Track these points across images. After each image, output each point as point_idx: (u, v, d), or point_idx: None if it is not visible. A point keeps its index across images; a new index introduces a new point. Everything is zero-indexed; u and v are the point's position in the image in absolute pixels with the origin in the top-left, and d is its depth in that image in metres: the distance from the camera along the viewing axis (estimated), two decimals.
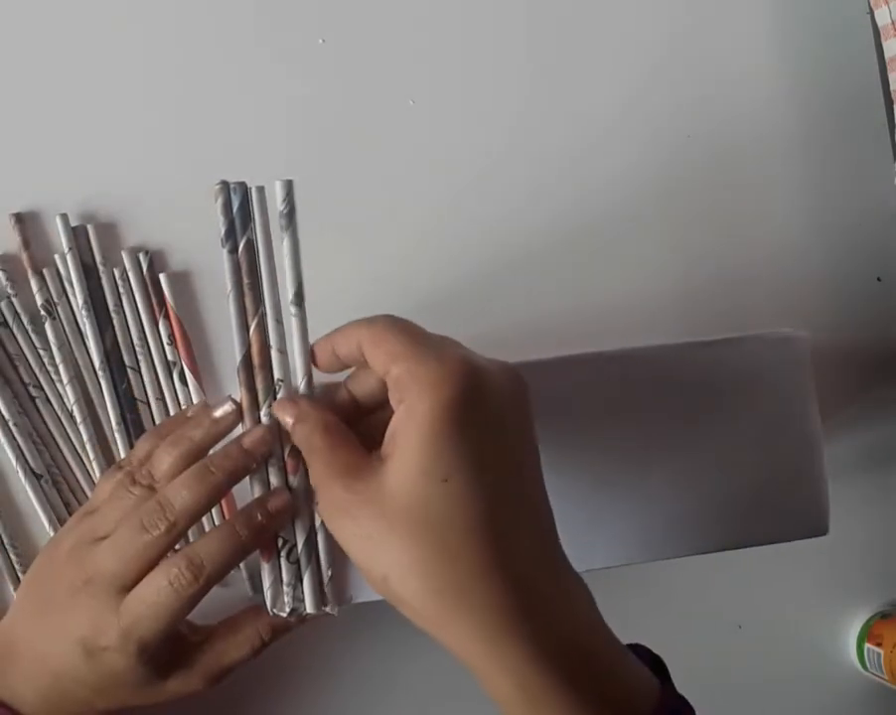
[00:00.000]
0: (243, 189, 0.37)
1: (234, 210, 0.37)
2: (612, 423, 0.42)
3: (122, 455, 0.47)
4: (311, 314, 0.38)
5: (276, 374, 0.38)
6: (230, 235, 0.37)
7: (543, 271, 0.51)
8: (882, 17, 0.52)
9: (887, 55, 0.52)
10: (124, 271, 0.47)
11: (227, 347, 0.47)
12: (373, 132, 0.50)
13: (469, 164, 0.51)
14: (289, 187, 0.37)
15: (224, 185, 0.37)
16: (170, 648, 0.38)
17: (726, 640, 0.54)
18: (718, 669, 0.52)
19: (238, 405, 0.38)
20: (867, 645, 0.54)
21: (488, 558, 0.32)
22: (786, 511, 0.43)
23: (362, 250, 0.50)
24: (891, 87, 0.52)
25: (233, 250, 0.38)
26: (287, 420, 0.36)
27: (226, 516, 0.47)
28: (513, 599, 0.32)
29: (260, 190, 0.37)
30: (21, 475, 0.46)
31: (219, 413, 0.38)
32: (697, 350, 0.43)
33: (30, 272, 0.46)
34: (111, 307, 0.47)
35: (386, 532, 0.32)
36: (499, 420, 0.33)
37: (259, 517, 0.36)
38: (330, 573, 0.38)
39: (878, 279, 0.54)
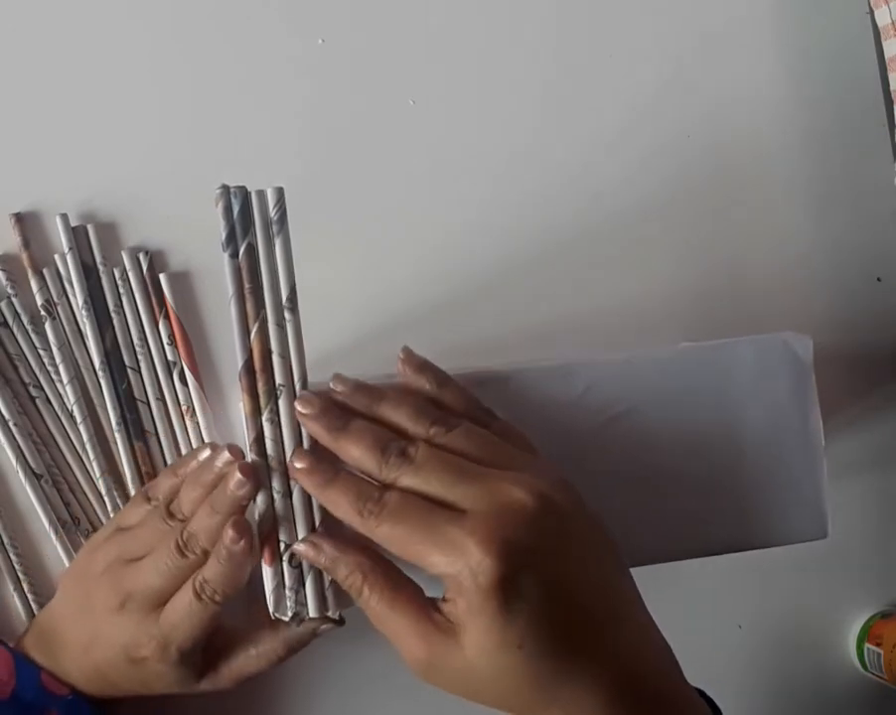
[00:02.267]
0: (244, 193, 0.37)
1: (235, 214, 0.37)
2: (614, 425, 0.42)
3: (123, 455, 0.47)
4: (312, 312, 0.38)
5: (278, 379, 0.38)
6: (231, 240, 0.37)
7: (547, 275, 0.51)
8: (882, 17, 0.52)
9: (887, 55, 0.52)
10: (124, 271, 0.47)
11: (228, 347, 0.48)
12: (374, 132, 0.50)
13: (470, 164, 0.51)
14: (280, 194, 0.37)
15: (225, 189, 0.37)
16: (203, 653, 0.42)
17: (726, 640, 0.54)
18: (718, 669, 0.52)
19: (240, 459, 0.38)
20: (867, 646, 0.54)
21: (584, 678, 0.33)
22: (785, 515, 0.43)
23: (360, 250, 0.50)
24: (891, 87, 0.52)
25: (234, 255, 0.37)
26: (346, 578, 0.36)
27: None
28: (610, 695, 0.33)
29: (261, 194, 0.37)
30: (21, 475, 0.46)
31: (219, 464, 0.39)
32: (700, 353, 0.43)
33: (30, 272, 0.46)
34: (111, 307, 0.47)
35: (482, 692, 0.34)
36: (550, 553, 0.34)
37: (236, 544, 0.37)
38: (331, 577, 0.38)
39: (878, 279, 0.54)
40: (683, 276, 0.52)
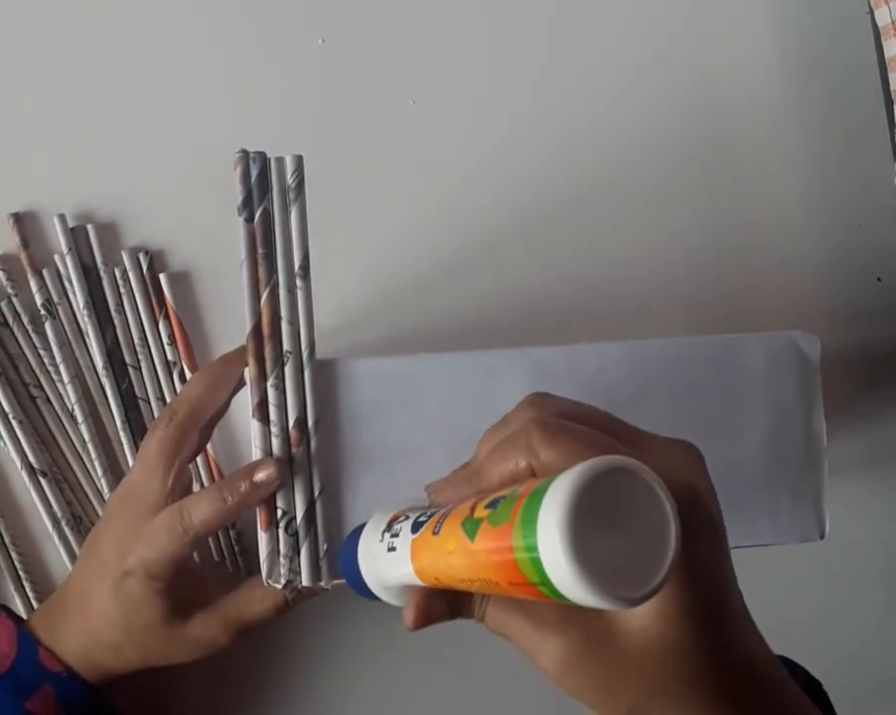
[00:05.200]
0: (263, 159, 0.38)
1: (252, 179, 0.37)
2: (620, 411, 0.42)
3: (127, 454, 0.47)
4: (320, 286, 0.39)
5: (285, 346, 0.38)
6: (247, 204, 0.38)
7: (547, 265, 0.51)
8: (882, 17, 0.51)
9: (887, 55, 0.52)
10: (124, 271, 0.47)
11: (228, 346, 0.48)
12: (374, 132, 0.50)
13: (469, 163, 0.51)
14: (299, 161, 0.38)
15: (244, 153, 0.37)
16: (190, 587, 0.40)
17: None
18: None
19: (279, 467, 0.38)
20: None
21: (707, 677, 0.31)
22: (784, 514, 0.43)
23: (360, 250, 0.50)
24: (891, 87, 0.52)
25: (249, 219, 0.38)
26: None
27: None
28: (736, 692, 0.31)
29: (279, 161, 0.38)
30: (23, 473, 0.46)
31: (259, 477, 0.38)
32: (709, 346, 0.43)
33: (29, 272, 0.46)
34: (112, 307, 0.47)
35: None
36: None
37: (244, 487, 0.37)
38: (326, 547, 0.38)
39: (878, 279, 0.54)
40: (682, 276, 0.52)
